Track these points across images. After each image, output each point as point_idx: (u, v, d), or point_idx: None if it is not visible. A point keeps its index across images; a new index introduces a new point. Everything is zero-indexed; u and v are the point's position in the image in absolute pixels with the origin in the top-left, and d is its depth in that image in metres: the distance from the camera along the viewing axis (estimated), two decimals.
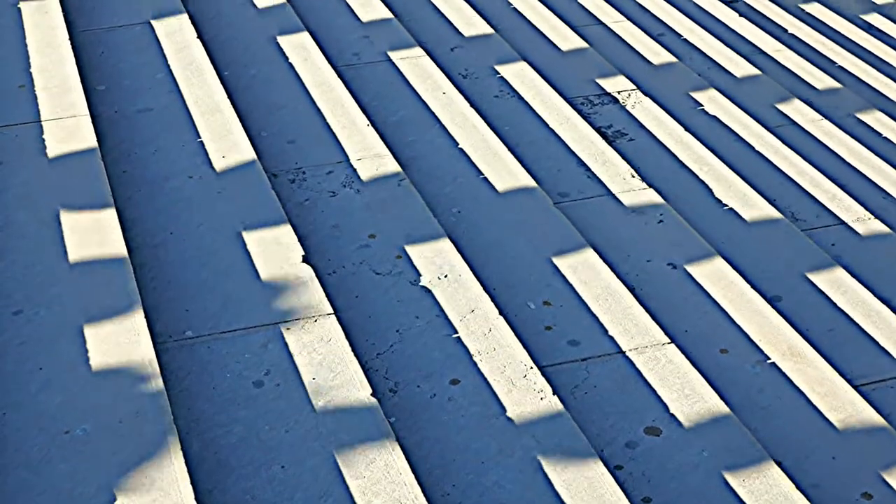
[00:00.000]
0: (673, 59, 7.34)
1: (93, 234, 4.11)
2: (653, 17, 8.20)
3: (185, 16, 6.16)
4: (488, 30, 7.04)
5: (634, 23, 7.91)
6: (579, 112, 6.25)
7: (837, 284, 5.06)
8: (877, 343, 4.75)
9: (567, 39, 7.26)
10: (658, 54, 7.38)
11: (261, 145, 5.22)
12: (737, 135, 6.45)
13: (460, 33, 7.01)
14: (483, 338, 4.08)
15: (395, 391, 3.86)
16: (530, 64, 6.68)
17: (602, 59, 7.02)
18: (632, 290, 4.69)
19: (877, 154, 6.65)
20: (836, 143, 6.68)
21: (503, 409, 3.77)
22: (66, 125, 4.80)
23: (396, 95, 6.02)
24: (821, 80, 7.68)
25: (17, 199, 4.33)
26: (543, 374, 3.95)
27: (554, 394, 3.83)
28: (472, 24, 7.12)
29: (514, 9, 7.70)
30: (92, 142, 4.68)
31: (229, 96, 5.43)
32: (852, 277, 5.11)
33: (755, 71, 7.47)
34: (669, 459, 3.82)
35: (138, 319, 3.71)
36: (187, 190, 4.67)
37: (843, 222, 5.71)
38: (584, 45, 7.19)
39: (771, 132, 6.54)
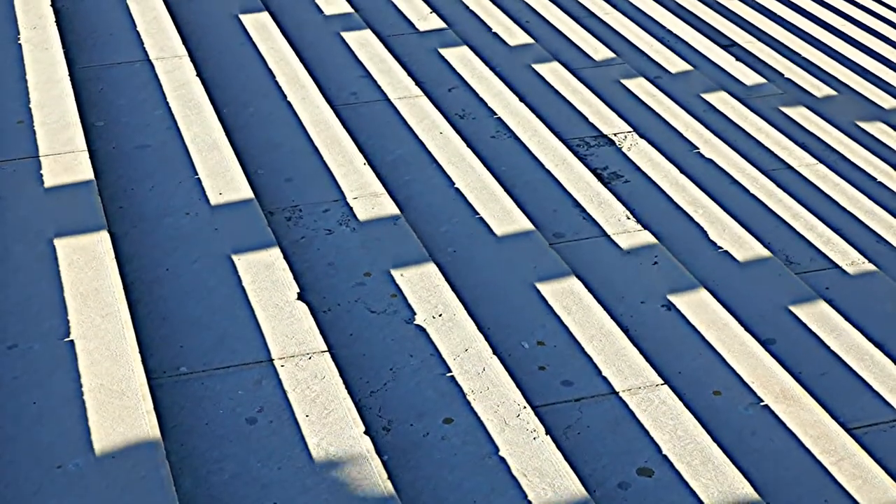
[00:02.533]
0: (669, 101, 7.38)
1: (88, 270, 4.13)
2: (649, 59, 8.24)
3: (186, 56, 6.20)
4: (486, 71, 7.08)
5: (631, 65, 7.95)
6: (575, 153, 6.28)
7: (831, 328, 5.07)
8: (870, 387, 4.75)
9: (564, 81, 7.30)
10: (654, 97, 7.42)
11: (258, 183, 5.24)
12: (732, 178, 6.47)
13: (458, 74, 7.04)
14: (477, 377, 4.09)
15: (389, 429, 3.86)
16: (527, 105, 6.71)
17: (598, 100, 7.05)
18: (626, 331, 4.70)
19: (871, 198, 6.68)
20: (830, 187, 6.70)
21: (496, 448, 3.77)
22: (64, 160, 4.82)
23: (394, 135, 6.04)
24: (817, 125, 7.71)
25: (14, 233, 4.34)
26: (536, 414, 3.96)
27: (547, 434, 3.84)
28: (470, 65, 7.16)
29: (514, 50, 7.74)
30: (89, 176, 4.70)
31: (227, 134, 5.45)
32: (846, 321, 5.12)
33: (751, 115, 7.50)
34: (661, 501, 3.82)
35: (133, 354, 3.71)
36: (184, 226, 4.68)
37: (837, 266, 5.73)
38: (580, 86, 7.22)
39: (766, 175, 6.56)
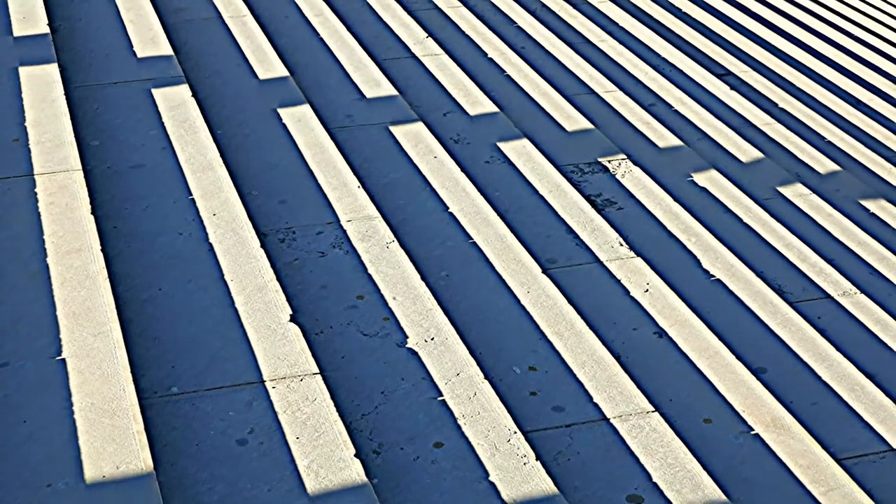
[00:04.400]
0: (663, 129, 7.40)
1: (81, 289, 4.12)
2: (644, 87, 8.27)
3: (182, 76, 6.21)
4: (481, 96, 7.10)
5: (626, 92, 7.98)
6: (569, 180, 6.29)
7: (822, 358, 5.07)
8: (860, 417, 4.76)
9: (559, 108, 7.32)
10: (648, 124, 7.44)
11: (251, 204, 5.25)
12: (725, 206, 6.49)
13: (453, 98, 7.06)
14: (468, 401, 4.09)
15: (379, 452, 3.86)
16: (522, 131, 6.73)
17: (593, 127, 7.07)
18: (617, 357, 4.70)
19: (864, 229, 6.69)
20: (823, 217, 6.72)
21: (486, 473, 3.77)
22: (59, 179, 4.82)
23: (388, 158, 6.05)
24: (810, 155, 7.74)
25: (7, 251, 4.34)
26: (527, 440, 3.96)
27: (537, 459, 3.83)
28: (465, 91, 7.17)
29: (507, 76, 7.76)
30: (84, 196, 4.71)
31: (222, 155, 5.46)
32: (837, 351, 5.13)
33: (745, 144, 7.52)
34: None
35: (124, 374, 3.71)
36: (177, 246, 4.69)
37: (829, 296, 5.74)
38: (575, 113, 7.24)
39: (759, 205, 6.58)
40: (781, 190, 6.99)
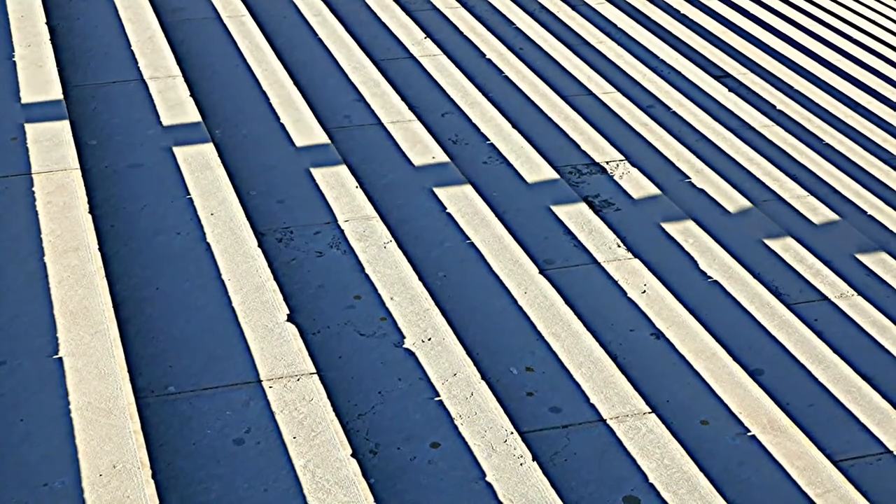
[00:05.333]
0: (661, 130, 7.40)
1: (79, 288, 4.12)
2: (642, 88, 8.27)
3: (180, 76, 6.21)
4: (479, 96, 7.10)
5: (624, 94, 7.98)
6: (567, 181, 6.29)
7: (819, 360, 5.08)
8: (857, 419, 4.76)
9: (557, 109, 7.32)
10: (646, 126, 7.44)
11: (249, 204, 5.25)
12: (723, 208, 6.49)
13: (451, 99, 7.06)
14: (465, 402, 4.09)
15: (376, 452, 3.86)
16: (519, 131, 6.73)
17: (591, 128, 7.07)
18: (614, 358, 4.70)
19: (861, 232, 6.69)
20: (820, 219, 6.72)
21: (482, 473, 3.77)
22: (57, 178, 4.82)
23: (386, 159, 6.05)
24: (808, 157, 7.74)
25: (4, 250, 4.34)
26: (524, 440, 3.96)
27: (534, 460, 3.83)
28: (463, 91, 7.18)
29: (506, 77, 7.76)
30: (82, 195, 4.71)
31: (220, 154, 5.46)
32: (834, 353, 5.13)
33: (742, 145, 7.53)
34: None
35: (121, 373, 3.71)
36: (175, 246, 4.68)
37: (826, 298, 5.74)
38: (573, 114, 7.24)
39: (757, 207, 6.58)
40: (778, 191, 6.99)
